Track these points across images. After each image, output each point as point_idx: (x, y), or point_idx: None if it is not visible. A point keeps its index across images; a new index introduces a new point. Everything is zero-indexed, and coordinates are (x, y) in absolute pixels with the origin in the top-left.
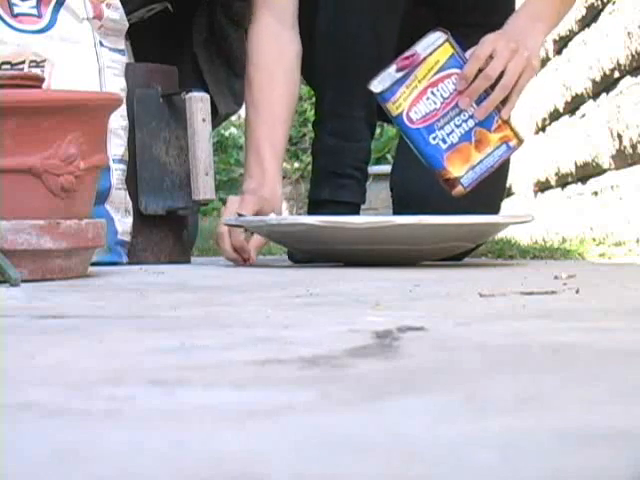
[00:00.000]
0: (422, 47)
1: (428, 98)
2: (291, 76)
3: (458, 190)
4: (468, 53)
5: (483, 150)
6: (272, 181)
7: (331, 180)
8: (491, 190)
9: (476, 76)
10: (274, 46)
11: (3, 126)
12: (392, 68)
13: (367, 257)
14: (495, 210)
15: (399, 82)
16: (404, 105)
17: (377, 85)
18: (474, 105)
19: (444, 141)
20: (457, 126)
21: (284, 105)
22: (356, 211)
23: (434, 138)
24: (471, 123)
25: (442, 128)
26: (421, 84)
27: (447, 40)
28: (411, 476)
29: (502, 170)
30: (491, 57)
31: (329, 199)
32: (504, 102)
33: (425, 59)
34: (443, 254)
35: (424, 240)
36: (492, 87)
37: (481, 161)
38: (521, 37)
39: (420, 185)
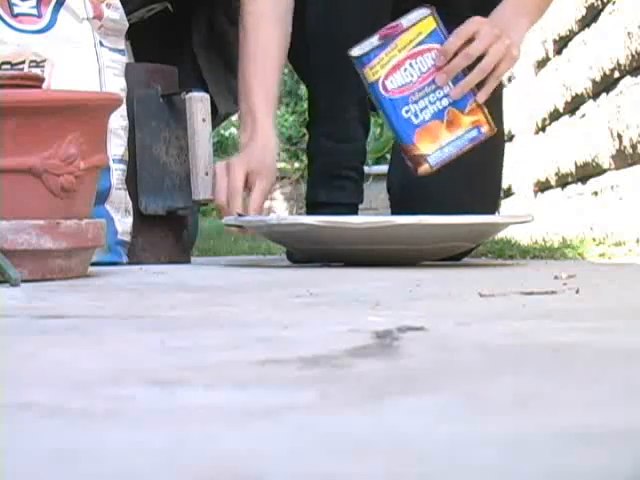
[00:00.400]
0: (406, 19)
1: (406, 69)
2: (285, 19)
3: (424, 168)
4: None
5: (454, 131)
6: (264, 130)
7: (327, 182)
8: (488, 189)
9: (456, 54)
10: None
11: (3, 126)
12: (374, 37)
13: (367, 257)
14: (492, 209)
15: (379, 48)
16: (381, 72)
17: (356, 50)
18: (450, 84)
19: (416, 116)
20: (431, 103)
21: (278, 49)
22: (354, 211)
23: (407, 111)
24: (445, 102)
25: (416, 102)
26: (401, 54)
27: (431, 14)
28: (411, 476)
29: (497, 169)
30: (473, 39)
31: (326, 201)
32: (480, 86)
33: (407, 29)
34: (443, 254)
35: (424, 240)
36: (470, 70)
37: (450, 142)
38: (505, 28)
39: (417, 185)
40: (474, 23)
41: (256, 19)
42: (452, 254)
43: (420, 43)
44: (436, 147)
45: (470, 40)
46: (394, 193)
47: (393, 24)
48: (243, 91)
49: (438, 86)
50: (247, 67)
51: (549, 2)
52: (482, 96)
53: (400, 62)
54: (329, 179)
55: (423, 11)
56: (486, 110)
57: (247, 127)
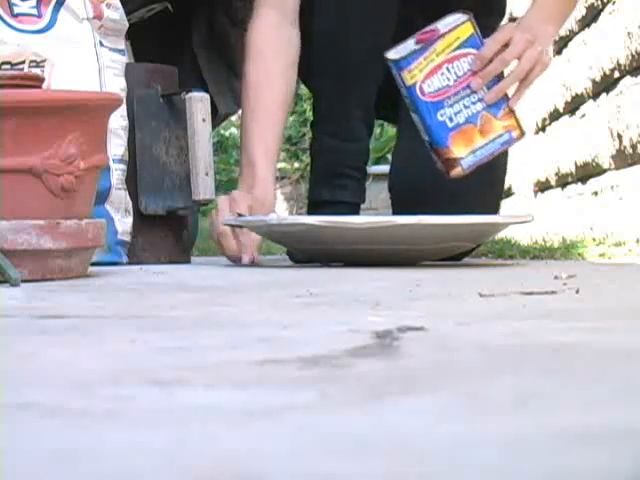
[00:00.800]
0: (443, 24)
1: (443, 73)
2: (289, 74)
3: (457, 171)
4: (486, 40)
5: (487, 135)
6: (263, 183)
7: (330, 181)
8: (490, 189)
9: (491, 60)
10: (273, 43)
11: (3, 126)
12: (411, 41)
13: (367, 257)
14: (494, 210)
15: (417, 53)
16: (419, 76)
17: (394, 54)
18: (485, 89)
19: (451, 119)
20: (466, 107)
21: (279, 104)
22: (356, 211)
23: (442, 115)
24: (479, 106)
25: (451, 106)
26: (438, 58)
27: (469, 19)
28: (411, 476)
29: (500, 169)
30: (507, 45)
31: (329, 200)
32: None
33: (445, 34)
34: (443, 254)
35: (424, 240)
36: (502, 75)
37: (483, 146)
38: (535, 34)
39: (419, 185)
40: (508, 30)
41: (259, 74)
42: (452, 254)
43: (458, 48)
44: (469, 150)
45: (505, 45)
46: (395, 193)
47: (429, 28)
48: (244, 143)
49: (473, 90)
50: (248, 122)
51: (572, 7)
52: (514, 101)
53: (438, 66)
54: (332, 178)
55: (460, 16)
56: (517, 115)
57: (247, 178)
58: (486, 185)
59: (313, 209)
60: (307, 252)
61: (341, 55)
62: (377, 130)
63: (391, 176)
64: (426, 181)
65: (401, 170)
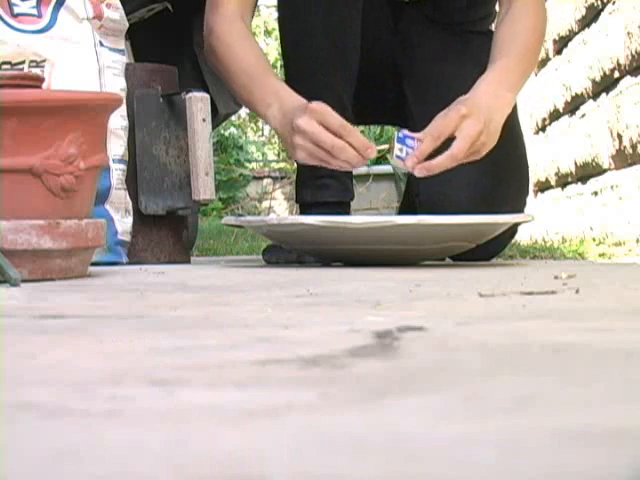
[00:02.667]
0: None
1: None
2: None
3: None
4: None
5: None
6: (286, 92)
7: (311, 182)
8: (518, 186)
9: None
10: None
11: (3, 126)
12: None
13: (367, 257)
14: (521, 207)
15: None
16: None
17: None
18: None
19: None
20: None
21: (253, 41)
22: (345, 209)
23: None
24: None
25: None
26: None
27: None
28: (411, 476)
29: (525, 167)
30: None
31: (312, 201)
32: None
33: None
34: (443, 254)
35: (424, 240)
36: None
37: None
38: (489, 111)
39: (447, 186)
40: (455, 115)
41: (231, 40)
42: (452, 254)
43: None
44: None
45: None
46: (423, 197)
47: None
48: (247, 73)
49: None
50: (241, 61)
51: (534, 65)
52: (423, 171)
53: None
54: (313, 179)
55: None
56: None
57: (272, 100)
58: (515, 182)
59: (302, 212)
60: (307, 252)
61: (302, 55)
62: (377, 130)
63: (412, 179)
64: (453, 182)
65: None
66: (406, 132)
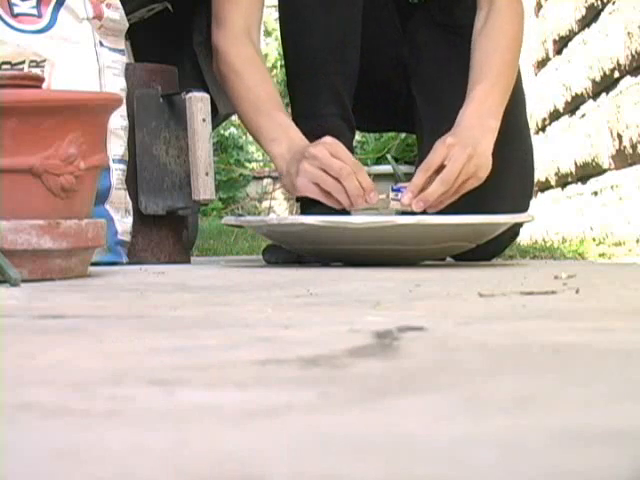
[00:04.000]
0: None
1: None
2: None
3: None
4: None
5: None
6: (296, 133)
7: None
8: (522, 185)
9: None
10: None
11: (3, 126)
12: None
13: (367, 257)
14: (525, 207)
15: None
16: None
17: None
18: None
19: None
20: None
21: (264, 70)
22: (344, 209)
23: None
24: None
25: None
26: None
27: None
28: (411, 476)
29: (530, 167)
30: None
31: (308, 199)
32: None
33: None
34: (443, 254)
35: (424, 240)
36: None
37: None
38: (474, 141)
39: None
40: (441, 149)
41: (240, 67)
42: (452, 254)
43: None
44: None
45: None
46: None
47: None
48: (257, 109)
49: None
50: (251, 96)
51: (514, 74)
52: (419, 203)
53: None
54: None
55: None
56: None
57: (279, 138)
58: (518, 182)
59: (302, 210)
60: (307, 252)
61: (301, 53)
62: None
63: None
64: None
65: None
66: (401, 185)
